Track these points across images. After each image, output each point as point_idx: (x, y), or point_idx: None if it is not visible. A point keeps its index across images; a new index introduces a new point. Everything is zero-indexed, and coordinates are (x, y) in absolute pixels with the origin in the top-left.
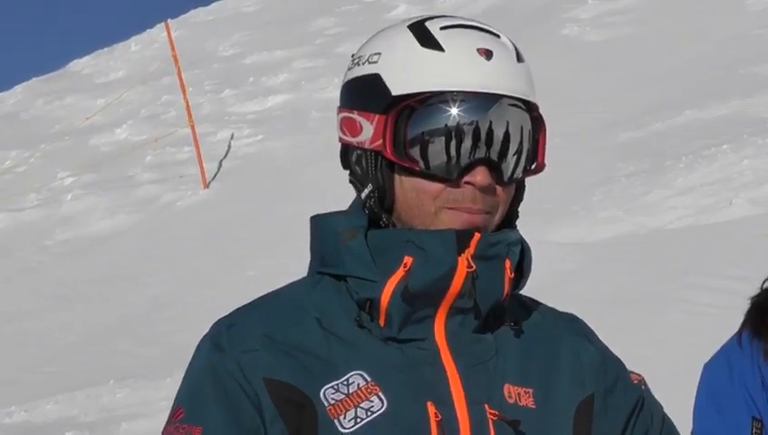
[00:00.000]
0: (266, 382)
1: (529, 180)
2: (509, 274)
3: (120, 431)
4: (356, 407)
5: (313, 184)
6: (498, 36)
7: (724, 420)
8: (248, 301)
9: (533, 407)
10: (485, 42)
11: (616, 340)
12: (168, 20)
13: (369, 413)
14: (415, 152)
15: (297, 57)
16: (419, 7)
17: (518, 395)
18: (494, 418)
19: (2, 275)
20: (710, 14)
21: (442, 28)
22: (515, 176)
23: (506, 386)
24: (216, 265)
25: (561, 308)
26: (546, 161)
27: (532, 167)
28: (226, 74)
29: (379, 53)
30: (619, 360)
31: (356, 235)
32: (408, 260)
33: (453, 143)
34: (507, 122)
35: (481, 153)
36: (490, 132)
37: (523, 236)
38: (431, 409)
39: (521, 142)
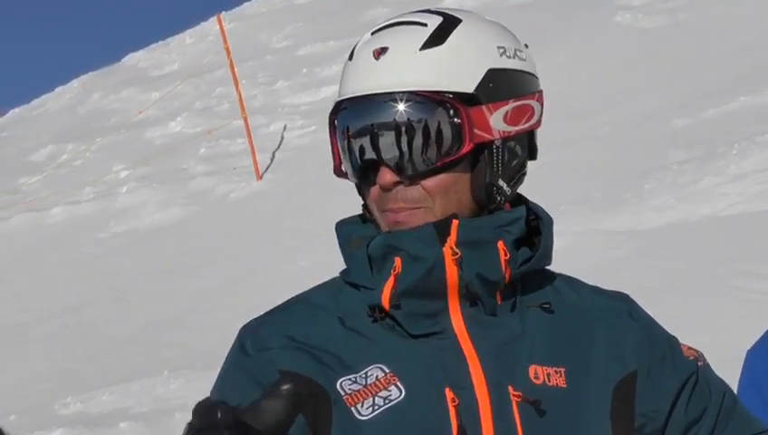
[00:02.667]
0: (281, 374)
1: (577, 170)
2: (504, 255)
3: (174, 422)
4: (374, 396)
5: None
6: (422, 25)
7: None
8: (299, 292)
9: (565, 386)
10: (388, 38)
11: (667, 327)
12: (222, 12)
13: (386, 401)
14: (345, 162)
15: (349, 48)
16: None
17: (547, 375)
18: (518, 399)
19: (58, 268)
20: None
21: (372, 33)
22: (422, 168)
23: (533, 367)
24: (268, 255)
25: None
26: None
27: (452, 152)
28: (279, 66)
29: None
30: (671, 336)
31: (362, 244)
32: (397, 263)
33: (349, 150)
34: (396, 119)
35: (370, 155)
36: (375, 133)
37: (572, 224)
38: (449, 394)
39: (417, 134)
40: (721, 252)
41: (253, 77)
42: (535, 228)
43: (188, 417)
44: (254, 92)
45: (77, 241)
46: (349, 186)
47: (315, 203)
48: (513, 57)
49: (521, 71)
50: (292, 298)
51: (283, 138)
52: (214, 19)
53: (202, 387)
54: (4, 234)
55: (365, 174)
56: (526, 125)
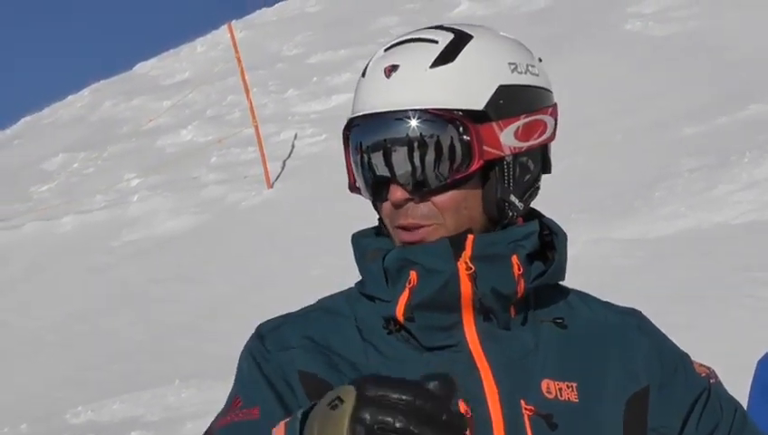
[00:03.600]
0: (300, 375)
1: (588, 178)
2: (517, 269)
3: (185, 431)
4: None
5: None
6: (434, 42)
7: None
8: (312, 301)
9: (576, 401)
10: (399, 56)
11: (678, 336)
12: (233, 21)
13: None
14: (358, 179)
15: (360, 56)
16: (481, 5)
17: (559, 390)
18: (530, 413)
19: (69, 276)
20: None
21: (385, 50)
22: (432, 184)
23: (545, 381)
24: (280, 264)
25: (622, 305)
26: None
27: (462, 169)
28: (290, 74)
29: None
30: (683, 353)
31: (377, 256)
32: (413, 276)
33: (361, 165)
34: (406, 136)
35: (382, 172)
36: (386, 150)
37: (582, 232)
38: (463, 406)
39: (427, 151)
40: (733, 260)
41: (264, 85)
42: (548, 243)
43: (199, 426)
44: (264, 101)
45: (88, 249)
46: (361, 195)
47: (326, 211)
48: (525, 73)
49: (533, 86)
50: (310, 305)
51: (293, 146)
52: (224, 27)
53: (213, 396)
54: (15, 242)
55: (378, 190)
56: (538, 140)
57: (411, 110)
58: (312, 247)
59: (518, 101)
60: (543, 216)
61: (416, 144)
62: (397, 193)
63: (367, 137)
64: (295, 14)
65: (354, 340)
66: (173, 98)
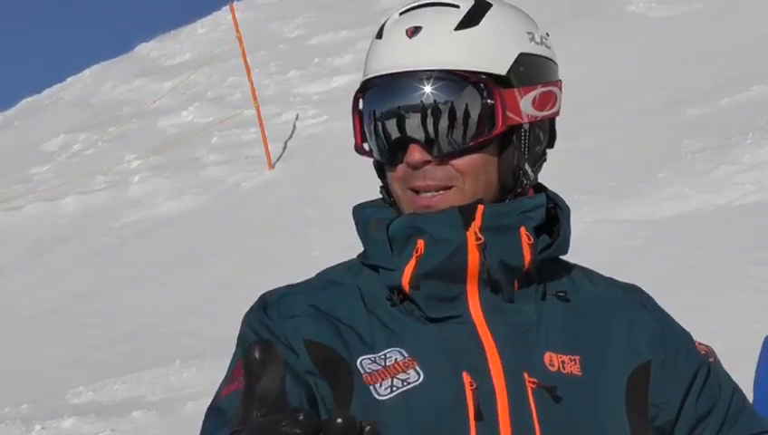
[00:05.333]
0: (306, 343)
1: (591, 159)
2: (526, 240)
3: (186, 411)
4: (392, 377)
5: None
6: (455, 7)
7: None
8: None
9: (579, 374)
10: (421, 18)
11: (682, 317)
12: (234, 2)
13: (405, 383)
14: (371, 141)
15: (362, 37)
16: None
17: (561, 363)
18: (533, 386)
19: (71, 257)
20: None
21: (401, 13)
22: (455, 146)
23: (548, 354)
24: (281, 245)
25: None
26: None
27: (485, 132)
28: (291, 55)
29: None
30: (684, 331)
31: (380, 225)
32: (420, 245)
33: (379, 127)
34: (430, 97)
35: (402, 132)
36: (406, 112)
37: (585, 214)
38: (466, 378)
39: (450, 113)
40: (735, 241)
41: (265, 66)
42: (552, 216)
43: (200, 406)
44: (265, 82)
45: (90, 230)
46: (361, 175)
47: (327, 192)
48: (541, 44)
49: (547, 57)
50: (312, 277)
51: (295, 127)
52: (226, 9)
53: (214, 376)
54: (17, 224)
55: (395, 151)
56: (550, 111)
57: (438, 70)
58: (313, 228)
59: (536, 70)
60: (548, 189)
61: (440, 105)
62: (415, 154)
63: (387, 96)
64: None
65: (359, 310)
66: (174, 79)
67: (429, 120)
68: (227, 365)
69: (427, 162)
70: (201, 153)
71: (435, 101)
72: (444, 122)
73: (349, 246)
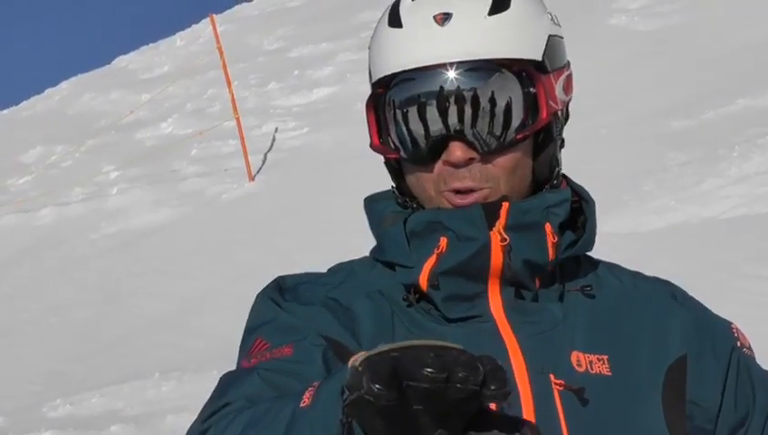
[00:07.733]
0: (322, 338)
1: (576, 171)
2: (551, 238)
3: (165, 424)
4: None
5: (359, 176)
6: None
7: None
8: None
9: (609, 374)
10: (445, 4)
11: None
12: (214, 14)
13: None
14: (395, 139)
15: (342, 50)
16: None
17: (589, 363)
18: (560, 387)
19: (48, 269)
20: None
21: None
22: (504, 142)
23: (575, 354)
24: (261, 257)
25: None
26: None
27: (529, 124)
28: (271, 68)
29: (372, 37)
30: (724, 322)
31: (396, 220)
32: (442, 242)
33: (413, 125)
34: (471, 90)
35: (447, 130)
36: (451, 104)
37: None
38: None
39: (497, 105)
40: (723, 255)
41: (244, 78)
42: (577, 210)
43: (180, 420)
44: (245, 94)
45: (67, 242)
46: (342, 187)
47: (307, 205)
48: (558, 25)
49: (563, 39)
50: (337, 265)
51: (275, 139)
52: (205, 21)
53: (194, 389)
54: None
55: (432, 150)
56: (571, 95)
57: (478, 60)
58: (294, 241)
59: (562, 52)
60: (572, 180)
61: (482, 98)
62: (457, 152)
63: (421, 91)
64: (276, 9)
65: (383, 306)
66: (152, 91)
67: (472, 115)
68: (206, 378)
69: (471, 160)
70: (180, 165)
71: (476, 94)
72: (487, 117)
73: (330, 258)
